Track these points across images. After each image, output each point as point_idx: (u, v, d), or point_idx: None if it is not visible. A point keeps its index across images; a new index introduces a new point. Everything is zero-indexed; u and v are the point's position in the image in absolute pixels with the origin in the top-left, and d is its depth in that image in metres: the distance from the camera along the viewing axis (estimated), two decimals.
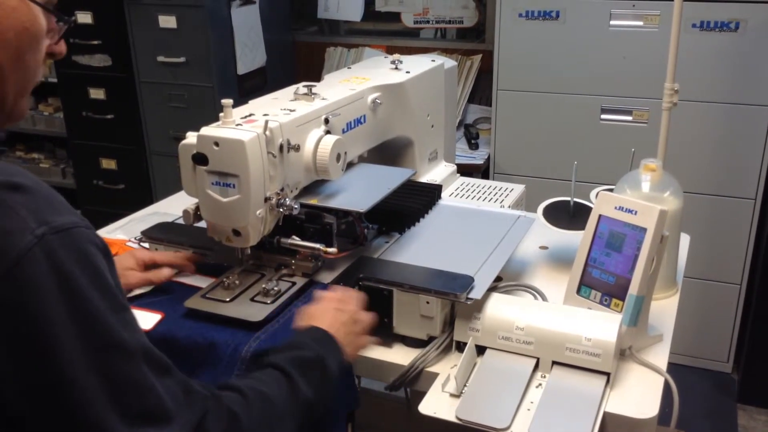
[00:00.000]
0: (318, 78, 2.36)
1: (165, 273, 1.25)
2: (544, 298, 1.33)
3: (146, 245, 1.38)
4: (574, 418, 1.05)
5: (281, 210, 1.17)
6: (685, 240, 1.55)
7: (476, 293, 1.16)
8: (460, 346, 1.19)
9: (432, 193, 1.52)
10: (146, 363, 0.75)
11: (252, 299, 1.17)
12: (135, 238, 1.43)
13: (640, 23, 2.54)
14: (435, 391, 1.13)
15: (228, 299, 1.17)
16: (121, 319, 0.73)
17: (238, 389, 0.89)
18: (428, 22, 3.37)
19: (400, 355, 1.20)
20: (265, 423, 0.88)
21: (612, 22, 2.57)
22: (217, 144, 1.11)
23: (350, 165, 1.39)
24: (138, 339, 0.75)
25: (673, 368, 1.20)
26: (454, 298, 1.17)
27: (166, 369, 0.79)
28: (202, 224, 1.21)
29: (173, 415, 0.76)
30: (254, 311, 1.13)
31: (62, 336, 0.68)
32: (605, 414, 1.08)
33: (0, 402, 0.68)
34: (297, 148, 1.19)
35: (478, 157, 2.89)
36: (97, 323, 0.71)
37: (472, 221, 1.45)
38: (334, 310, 1.09)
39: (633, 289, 1.17)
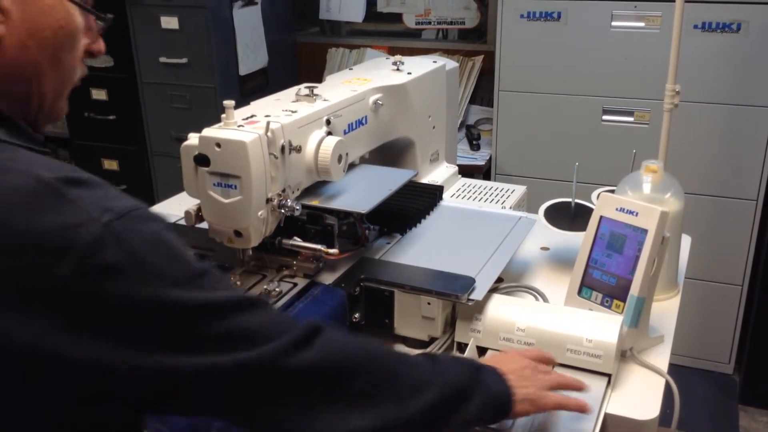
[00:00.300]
0: (319, 79, 2.36)
1: None
2: (545, 300, 1.33)
3: None
4: (575, 419, 1.05)
5: (283, 211, 1.17)
6: (686, 241, 1.55)
7: (477, 294, 1.16)
8: (462, 347, 1.19)
9: (433, 194, 1.52)
10: (235, 312, 0.75)
11: None
12: None
13: (642, 24, 2.54)
14: None
15: None
16: (201, 283, 0.73)
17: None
18: (430, 23, 3.37)
19: None
20: (392, 374, 0.85)
21: (613, 23, 2.57)
22: (218, 145, 1.11)
23: (352, 166, 1.39)
24: (220, 294, 0.75)
25: (674, 369, 1.20)
26: (455, 299, 1.17)
27: (262, 304, 0.79)
28: (204, 225, 1.22)
29: (270, 335, 0.76)
30: None
31: (145, 316, 0.69)
32: (606, 415, 1.08)
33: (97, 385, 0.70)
34: (298, 149, 1.19)
35: (479, 158, 2.89)
36: (178, 296, 0.71)
37: (473, 222, 1.45)
38: (510, 357, 1.05)
39: (634, 290, 1.17)
